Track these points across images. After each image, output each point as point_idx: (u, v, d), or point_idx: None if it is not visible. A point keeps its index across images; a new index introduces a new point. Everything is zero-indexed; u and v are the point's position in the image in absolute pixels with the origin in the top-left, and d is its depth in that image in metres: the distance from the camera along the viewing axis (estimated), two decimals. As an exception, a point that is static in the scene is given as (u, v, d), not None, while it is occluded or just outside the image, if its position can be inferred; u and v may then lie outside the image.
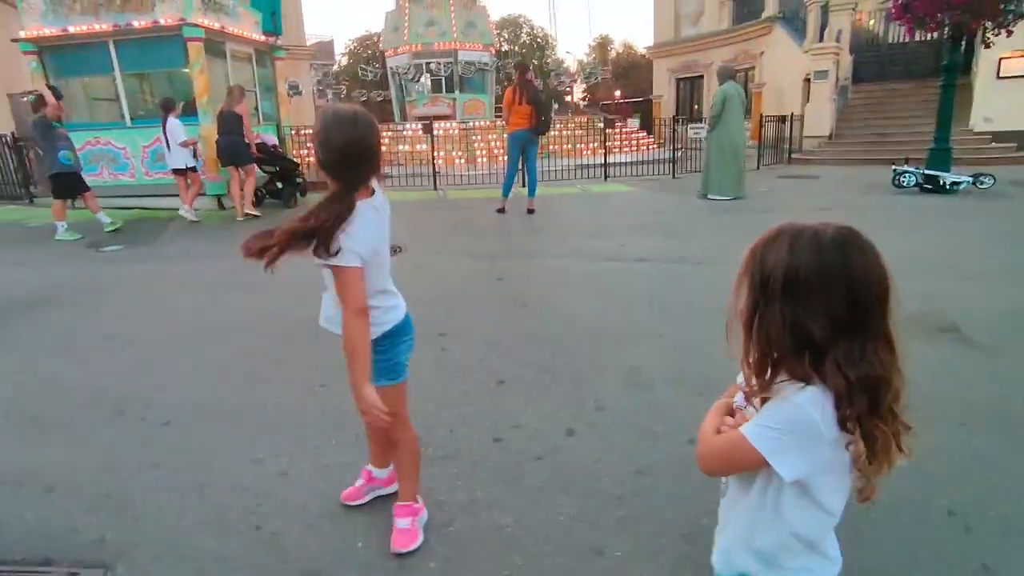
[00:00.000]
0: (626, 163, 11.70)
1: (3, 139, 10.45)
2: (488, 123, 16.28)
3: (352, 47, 38.51)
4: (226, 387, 2.99)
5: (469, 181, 10.99)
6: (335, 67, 34.22)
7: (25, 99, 13.35)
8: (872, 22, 15.22)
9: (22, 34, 8.49)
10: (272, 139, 9.25)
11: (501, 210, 7.81)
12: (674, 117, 14.86)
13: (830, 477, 0.88)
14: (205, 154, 8.26)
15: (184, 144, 7.85)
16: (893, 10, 8.29)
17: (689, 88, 26.86)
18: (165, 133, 7.74)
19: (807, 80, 18.55)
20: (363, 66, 22.19)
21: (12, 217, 8.91)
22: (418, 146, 13.10)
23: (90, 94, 9.54)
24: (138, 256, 6.23)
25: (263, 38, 9.62)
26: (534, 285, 4.65)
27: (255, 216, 7.99)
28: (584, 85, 44.71)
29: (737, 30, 23.22)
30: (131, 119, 8.74)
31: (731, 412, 0.98)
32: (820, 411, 0.83)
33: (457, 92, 19.51)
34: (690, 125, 11.42)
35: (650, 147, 16.09)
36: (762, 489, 0.93)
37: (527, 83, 7.43)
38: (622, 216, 7.56)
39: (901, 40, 14.34)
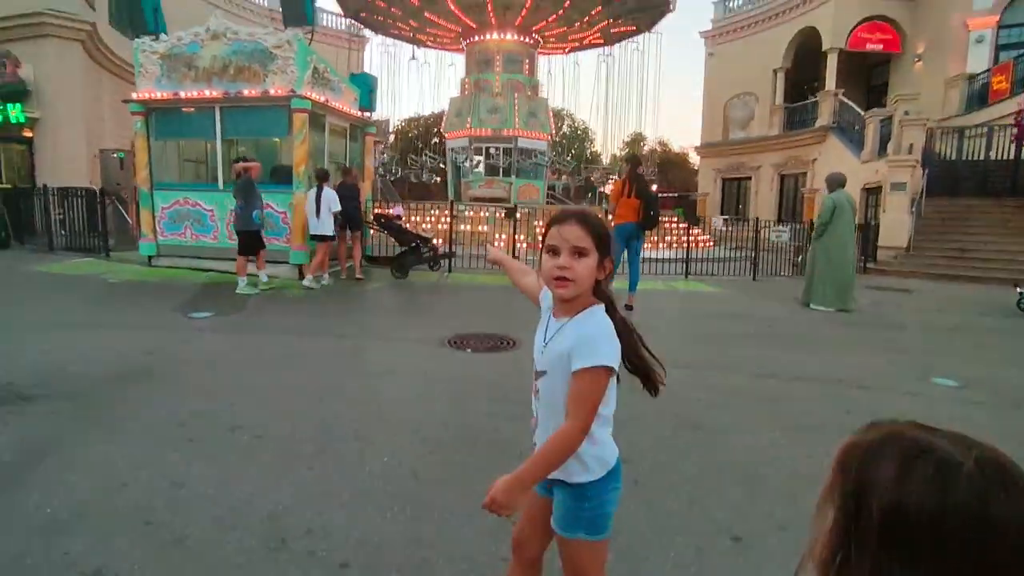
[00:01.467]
0: (699, 259, 11.41)
1: (80, 193, 10.55)
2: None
3: (400, 126, 40.21)
4: (393, 515, 2.47)
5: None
6: (385, 147, 35.53)
7: (115, 155, 13.79)
8: (942, 137, 15.22)
9: (134, 96, 8.69)
10: (399, 211, 9.59)
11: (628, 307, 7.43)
12: (740, 216, 14.72)
13: None
14: (293, 222, 8.14)
15: (335, 213, 8.08)
16: (1016, 129, 8.10)
17: (736, 188, 27.18)
18: (317, 201, 7.89)
19: (866, 189, 18.60)
20: (429, 154, 22.89)
21: (92, 270, 8.77)
22: (480, 227, 13.04)
23: (182, 155, 9.66)
24: (231, 325, 5.89)
25: (359, 114, 9.77)
26: (694, 401, 4.13)
27: (359, 280, 8.29)
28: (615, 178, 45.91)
29: (789, 136, 23.65)
30: (223, 183, 8.73)
31: None
32: None
33: (513, 177, 19.83)
34: (772, 228, 11.17)
35: (707, 244, 15.97)
36: None
37: (637, 176, 7.25)
38: (729, 321, 7.10)
39: (975, 157, 14.27)
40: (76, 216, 10.41)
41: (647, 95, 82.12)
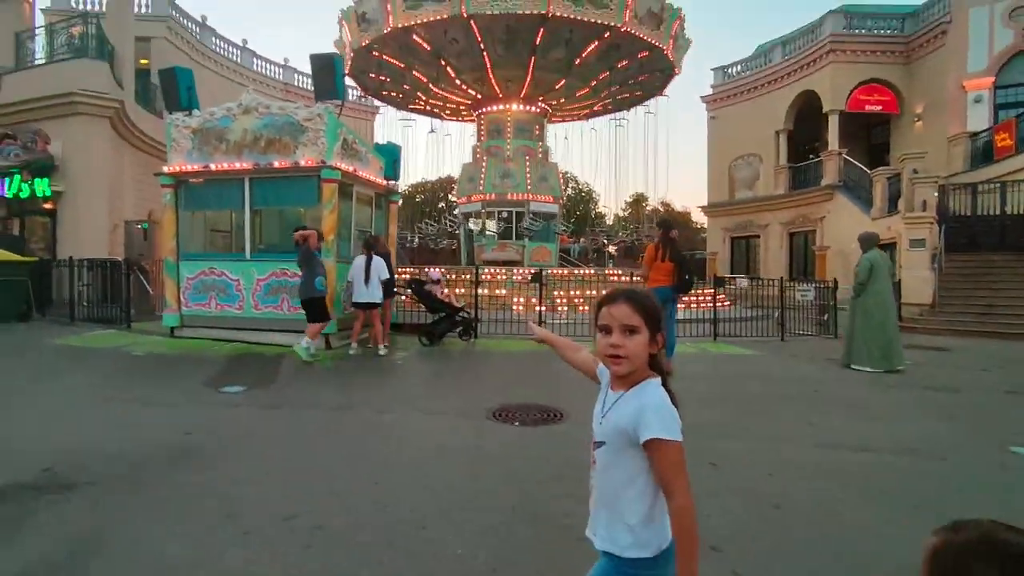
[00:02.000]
0: (725, 320, 11.22)
1: (106, 264, 10.58)
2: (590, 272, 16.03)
3: (407, 191, 41.12)
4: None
5: (574, 330, 10.31)
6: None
7: (138, 226, 13.97)
8: (954, 194, 15.34)
9: (166, 169, 8.85)
10: (437, 274, 9.82)
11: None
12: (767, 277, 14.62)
13: None
14: (328, 292, 8.08)
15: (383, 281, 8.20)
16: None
17: (745, 246, 27.34)
18: (367, 268, 7.99)
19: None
20: (449, 216, 23.34)
21: (114, 343, 8.65)
22: (497, 291, 12.98)
23: (208, 225, 9.74)
24: (265, 400, 5.69)
25: (384, 182, 9.90)
26: (764, 477, 3.88)
27: (382, 349, 8.19)
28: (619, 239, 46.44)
29: (796, 195, 23.98)
30: (251, 252, 8.73)
31: None
32: None
33: (526, 240, 20.00)
34: (797, 288, 11.08)
35: (725, 304, 15.83)
36: None
37: (670, 240, 7.21)
38: (770, 385, 6.86)
39: (990, 212, 14.34)
40: (99, 287, 10.39)
41: (651, 157, 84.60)
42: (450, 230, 22.14)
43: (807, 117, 24.22)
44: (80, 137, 14.67)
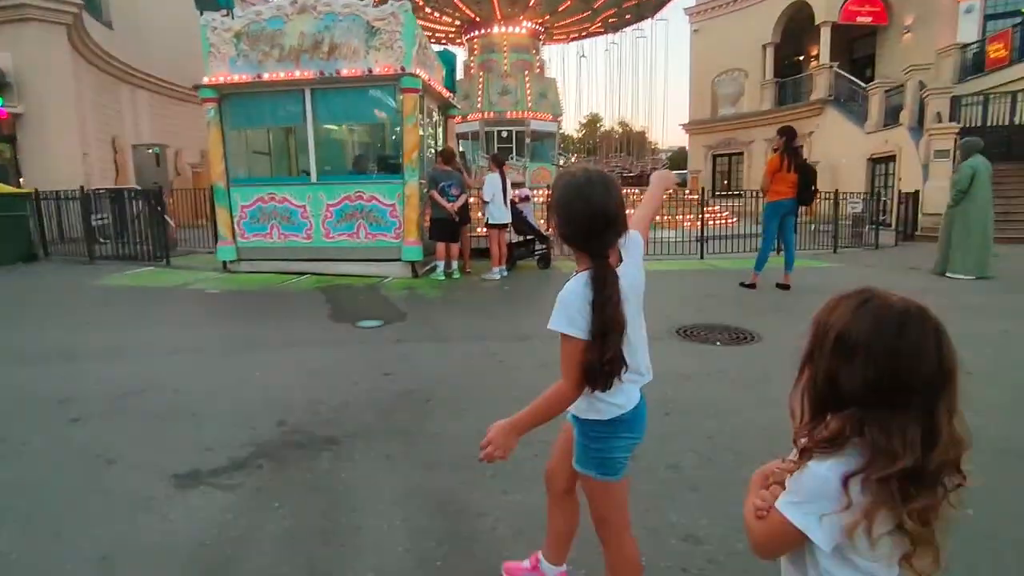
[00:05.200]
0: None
1: (130, 194, 9.31)
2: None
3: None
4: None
5: (655, 251, 9.90)
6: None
7: (150, 151, 12.37)
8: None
9: (206, 80, 7.63)
10: (526, 192, 9.21)
11: (751, 285, 7.09)
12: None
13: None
14: (405, 215, 7.40)
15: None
16: None
17: (728, 163, 27.48)
18: (504, 187, 7.61)
19: (872, 160, 19.09)
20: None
21: (169, 281, 7.72)
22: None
23: (249, 147, 8.64)
24: (419, 333, 5.21)
25: (447, 94, 9.00)
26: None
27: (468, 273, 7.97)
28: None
29: (783, 110, 23.98)
30: (316, 175, 7.81)
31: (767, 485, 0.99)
32: (837, 476, 0.86)
33: (527, 160, 19.24)
34: (848, 199, 11.12)
35: (728, 222, 15.81)
36: (812, 565, 0.93)
37: (795, 150, 6.91)
38: None
39: (1001, 122, 14.74)
40: (117, 221, 9.18)
41: (640, 79, 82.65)
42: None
43: (791, 31, 23.91)
44: (35, 49, 12.61)
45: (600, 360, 1.35)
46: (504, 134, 19.25)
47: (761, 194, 7.30)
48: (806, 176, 6.88)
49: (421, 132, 7.58)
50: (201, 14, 7.66)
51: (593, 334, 1.35)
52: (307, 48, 7.38)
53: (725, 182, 27.18)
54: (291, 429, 3.19)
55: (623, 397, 1.46)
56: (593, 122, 59.20)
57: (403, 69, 7.24)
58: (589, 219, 1.37)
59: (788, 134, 6.97)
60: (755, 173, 25.56)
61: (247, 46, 7.50)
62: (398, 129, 7.64)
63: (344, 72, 7.36)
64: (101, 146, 14.71)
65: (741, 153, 26.37)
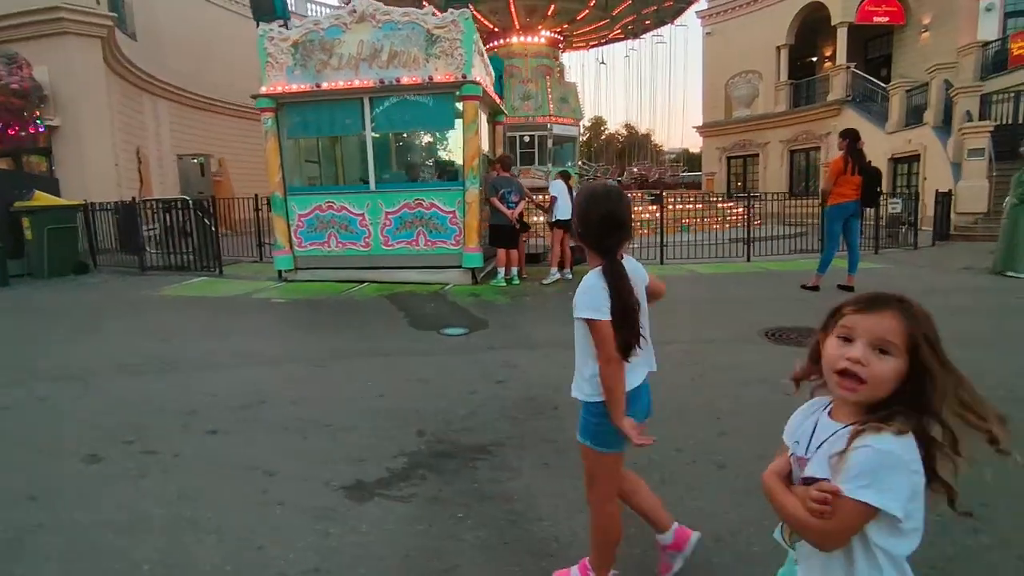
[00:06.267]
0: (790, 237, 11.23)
1: (177, 205, 9.33)
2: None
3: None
4: None
5: (697, 254, 9.97)
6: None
7: (194, 161, 12.40)
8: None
9: (263, 89, 7.65)
10: None
11: (814, 287, 7.09)
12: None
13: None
14: (465, 222, 7.43)
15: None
16: None
17: (743, 165, 27.49)
18: (571, 192, 7.81)
19: (893, 159, 19.06)
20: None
21: (230, 290, 7.74)
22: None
23: (302, 156, 8.67)
24: (508, 339, 5.21)
25: (499, 99, 9.03)
26: None
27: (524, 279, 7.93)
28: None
29: (799, 111, 24.01)
30: (376, 183, 7.83)
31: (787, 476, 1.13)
32: (900, 444, 0.95)
33: (550, 164, 19.29)
34: (889, 199, 11.11)
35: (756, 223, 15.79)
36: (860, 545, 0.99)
37: (858, 152, 6.92)
38: (941, 297, 6.70)
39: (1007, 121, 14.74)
40: (170, 231, 9.21)
41: (656, 85, 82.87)
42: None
43: (804, 32, 23.95)
44: (71, 62, 12.67)
45: (624, 333, 1.64)
46: (526, 139, 19.30)
47: (820, 197, 7.29)
48: (871, 178, 6.89)
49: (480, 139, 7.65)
50: (258, 25, 7.69)
51: (614, 313, 1.64)
52: (366, 57, 7.41)
53: (739, 184, 27.22)
54: (433, 439, 3.19)
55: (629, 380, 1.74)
56: (596, 126, 59.22)
57: (464, 76, 7.27)
58: (603, 220, 1.70)
59: (851, 136, 6.97)
60: (771, 175, 25.59)
61: (303, 55, 7.52)
62: (452, 135, 7.67)
63: (404, 80, 7.39)
64: (127, 157, 14.78)
65: (756, 155, 26.39)
